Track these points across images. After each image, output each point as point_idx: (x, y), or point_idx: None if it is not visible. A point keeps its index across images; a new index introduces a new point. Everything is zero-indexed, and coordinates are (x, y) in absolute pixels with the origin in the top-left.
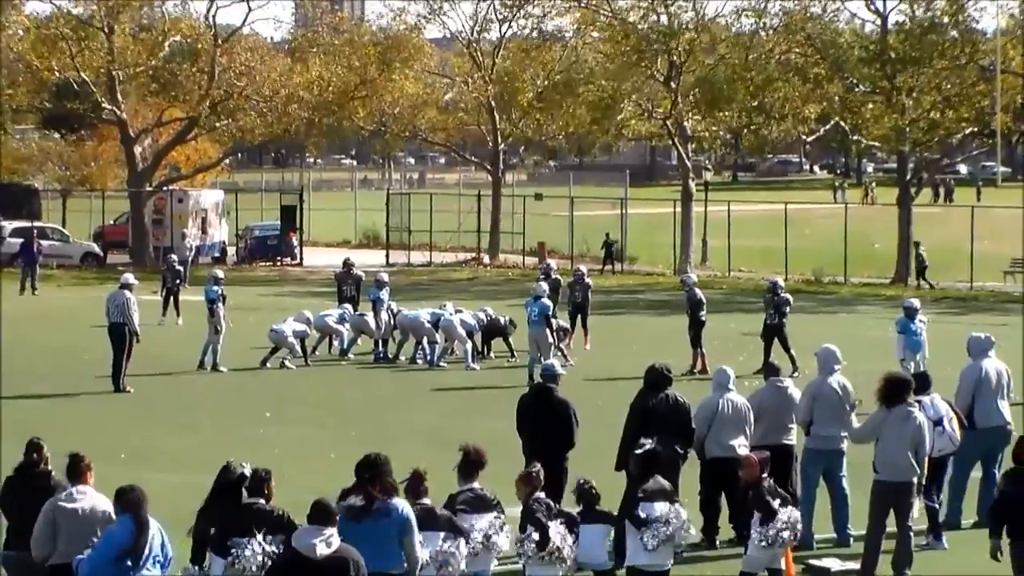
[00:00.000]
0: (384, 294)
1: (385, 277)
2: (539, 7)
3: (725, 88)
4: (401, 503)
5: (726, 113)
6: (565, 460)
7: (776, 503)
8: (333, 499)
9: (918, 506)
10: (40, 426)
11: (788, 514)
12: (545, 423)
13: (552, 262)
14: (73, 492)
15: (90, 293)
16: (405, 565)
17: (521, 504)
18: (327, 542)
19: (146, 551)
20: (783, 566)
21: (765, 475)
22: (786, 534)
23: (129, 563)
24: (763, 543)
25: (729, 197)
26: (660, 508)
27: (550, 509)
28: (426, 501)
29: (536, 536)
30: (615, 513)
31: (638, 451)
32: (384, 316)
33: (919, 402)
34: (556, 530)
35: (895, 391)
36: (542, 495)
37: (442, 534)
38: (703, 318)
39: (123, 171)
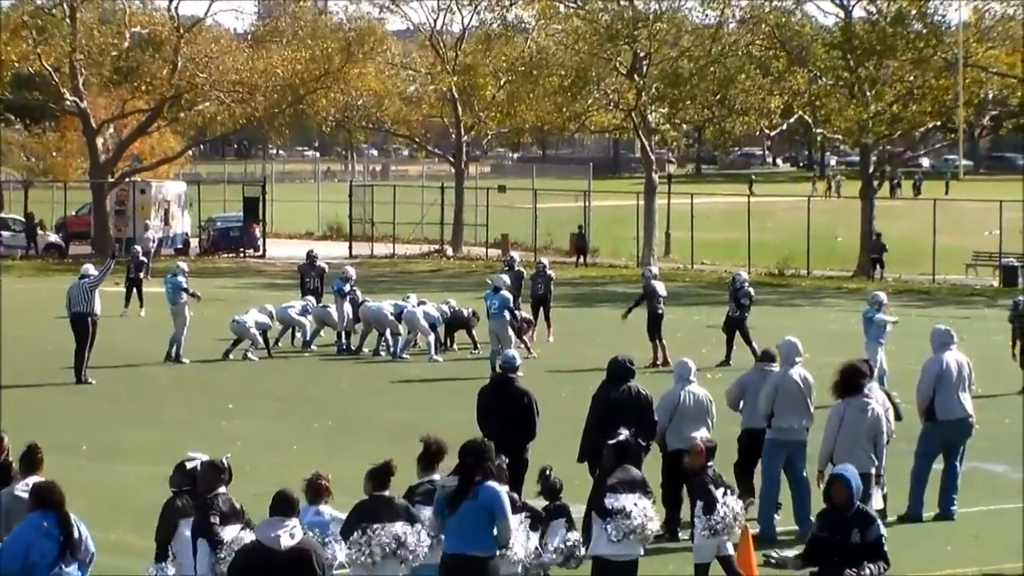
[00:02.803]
0: (347, 287)
1: (351, 272)
2: None
3: (689, 80)
4: (493, 487)
5: (689, 106)
6: (526, 452)
7: (719, 492)
8: (296, 490)
9: (878, 496)
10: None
11: (730, 503)
12: (506, 414)
13: (516, 254)
14: (28, 482)
15: (52, 284)
16: (499, 551)
17: None
18: (291, 533)
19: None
20: (732, 552)
21: (710, 463)
22: (732, 521)
23: (64, 566)
24: (705, 533)
25: (692, 190)
26: (627, 500)
27: (513, 503)
28: (385, 493)
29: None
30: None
31: (611, 441)
32: (347, 308)
33: None
34: (514, 527)
35: (850, 381)
36: (505, 488)
37: (399, 522)
38: (659, 311)
39: (85, 162)
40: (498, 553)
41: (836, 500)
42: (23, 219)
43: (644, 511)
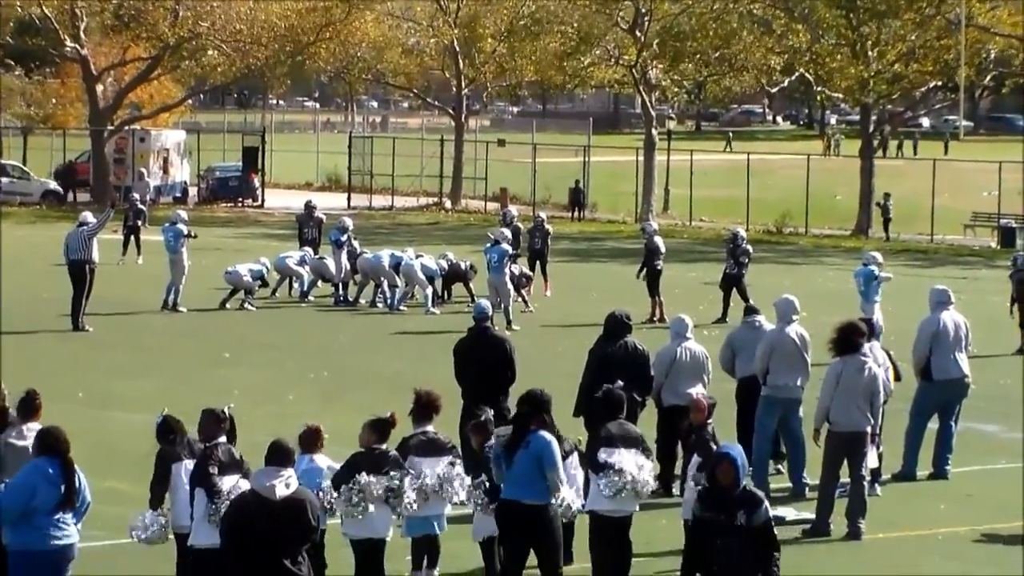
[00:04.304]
0: (344, 238)
1: (349, 223)
2: None
3: (690, 38)
4: (543, 436)
5: (689, 64)
6: (507, 400)
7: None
8: (292, 440)
9: (873, 454)
10: None
11: None
12: (486, 363)
13: (513, 208)
14: (23, 429)
15: (50, 232)
16: (554, 500)
17: (476, 452)
18: (286, 483)
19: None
20: None
21: (710, 420)
22: None
23: (63, 513)
24: (699, 489)
25: (692, 146)
26: (622, 455)
27: None
28: (382, 446)
29: (487, 486)
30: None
31: (598, 394)
32: (344, 259)
33: None
34: None
35: (848, 339)
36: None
37: (391, 473)
38: (659, 267)
39: (85, 109)
40: (554, 501)
41: (722, 480)
42: (23, 166)
43: (640, 468)
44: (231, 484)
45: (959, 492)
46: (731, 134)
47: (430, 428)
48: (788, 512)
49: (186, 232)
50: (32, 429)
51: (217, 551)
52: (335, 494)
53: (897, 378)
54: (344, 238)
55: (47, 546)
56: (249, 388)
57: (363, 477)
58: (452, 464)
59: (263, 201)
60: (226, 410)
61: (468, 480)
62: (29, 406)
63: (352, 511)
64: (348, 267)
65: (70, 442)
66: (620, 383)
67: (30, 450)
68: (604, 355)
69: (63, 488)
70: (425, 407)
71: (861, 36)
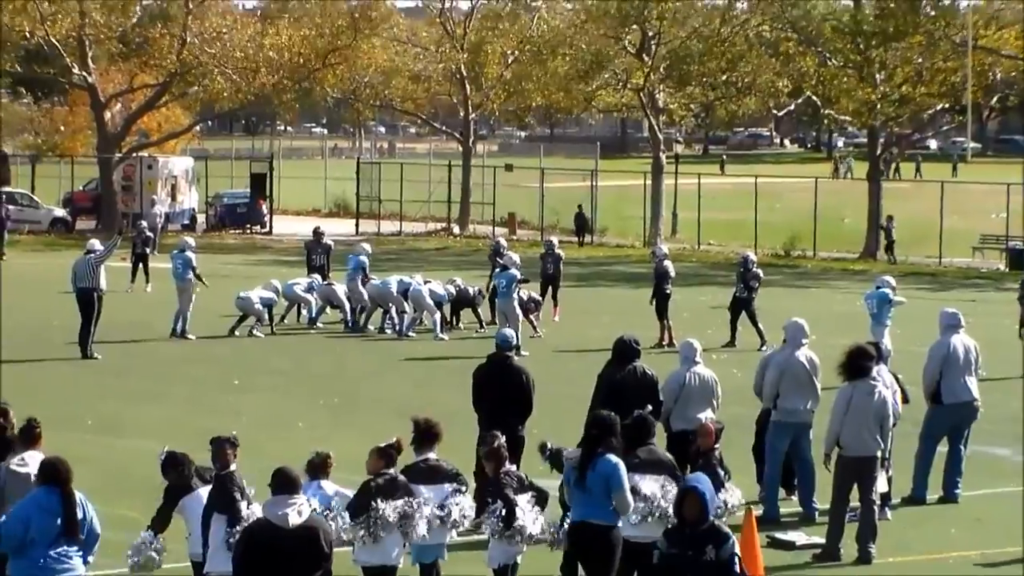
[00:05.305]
0: (362, 259)
1: (367, 248)
2: None
3: (697, 61)
4: (611, 459)
5: (696, 88)
6: (522, 429)
7: (722, 475)
8: (300, 468)
9: (883, 478)
10: (7, 392)
11: (732, 488)
12: (504, 392)
13: (502, 239)
14: (24, 456)
15: (58, 259)
16: (620, 523)
17: (491, 478)
18: (298, 511)
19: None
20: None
21: (718, 445)
22: (733, 505)
23: (65, 545)
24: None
25: (699, 170)
26: (650, 482)
27: (521, 482)
28: (391, 471)
29: (503, 512)
30: None
31: (627, 421)
32: (357, 286)
33: None
34: (524, 506)
35: (857, 363)
36: (513, 468)
37: (403, 499)
38: (668, 291)
39: (93, 137)
40: (620, 523)
41: (688, 515)
42: (31, 193)
43: (666, 493)
44: (245, 511)
45: (969, 516)
46: (724, 157)
47: (432, 455)
48: (798, 536)
49: (195, 264)
50: (32, 457)
51: None
52: (348, 522)
53: (905, 401)
54: (362, 260)
55: None
56: (258, 414)
57: (379, 503)
58: (456, 491)
59: (271, 228)
60: (233, 437)
61: (472, 506)
62: (29, 434)
63: (368, 538)
64: (360, 293)
65: (75, 471)
66: (650, 408)
67: (31, 478)
68: (613, 380)
69: (62, 519)
70: (425, 434)
71: (868, 59)
